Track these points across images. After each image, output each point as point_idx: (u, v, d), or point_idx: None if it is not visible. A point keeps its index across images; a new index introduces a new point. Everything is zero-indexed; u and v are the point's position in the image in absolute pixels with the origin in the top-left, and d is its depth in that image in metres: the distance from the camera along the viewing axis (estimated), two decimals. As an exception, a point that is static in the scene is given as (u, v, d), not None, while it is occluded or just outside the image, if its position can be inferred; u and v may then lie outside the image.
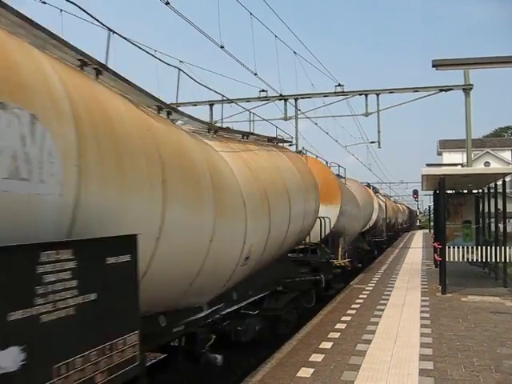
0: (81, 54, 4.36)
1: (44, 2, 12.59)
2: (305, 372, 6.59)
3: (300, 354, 7.42)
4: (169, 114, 6.12)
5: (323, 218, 13.40)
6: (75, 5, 5.60)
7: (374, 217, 26.70)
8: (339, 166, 18.08)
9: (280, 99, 21.67)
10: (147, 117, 5.14)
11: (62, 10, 13.74)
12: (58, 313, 3.02)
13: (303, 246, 12.77)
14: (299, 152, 14.17)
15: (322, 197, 12.74)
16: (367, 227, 24.49)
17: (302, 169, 11.43)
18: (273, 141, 10.97)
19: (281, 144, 11.55)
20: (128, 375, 3.70)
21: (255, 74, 15.72)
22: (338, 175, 17.37)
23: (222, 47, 12.42)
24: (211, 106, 22.72)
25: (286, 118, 22.03)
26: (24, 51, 3.49)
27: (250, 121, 22.46)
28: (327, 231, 13.79)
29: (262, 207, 7.98)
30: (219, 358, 6.47)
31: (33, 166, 3.12)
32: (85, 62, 4.42)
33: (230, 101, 22.77)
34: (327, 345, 7.94)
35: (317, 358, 7.24)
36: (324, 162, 16.50)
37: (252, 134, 9.83)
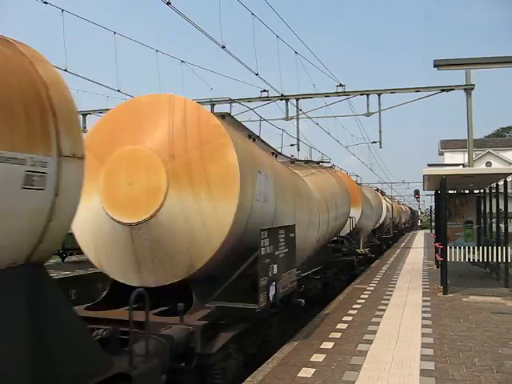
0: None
1: (46, 2, 12.62)
2: (306, 372, 6.59)
3: (301, 354, 7.42)
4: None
5: (350, 217, 17.90)
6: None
7: (383, 217, 31.31)
8: (356, 175, 23.61)
9: (281, 99, 21.66)
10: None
11: (63, 10, 13.78)
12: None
13: (335, 238, 17.15)
14: (331, 167, 18.43)
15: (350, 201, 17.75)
16: (377, 225, 28.94)
17: (339, 181, 16.72)
18: (319, 163, 16.21)
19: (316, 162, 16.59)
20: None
21: (256, 74, 15.72)
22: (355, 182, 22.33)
23: (223, 47, 12.42)
24: (212, 105, 22.72)
25: (287, 118, 22.02)
26: None
27: (250, 121, 22.52)
28: (352, 227, 18.46)
29: (325, 208, 13.21)
30: (303, 301, 9.11)
31: (266, 195, 7.96)
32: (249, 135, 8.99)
33: (232, 101, 22.80)
34: (328, 345, 7.94)
35: (318, 358, 7.24)
36: (345, 173, 21.31)
37: (310, 161, 15.14)
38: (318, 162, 15.70)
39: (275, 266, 7.46)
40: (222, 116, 7.67)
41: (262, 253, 6.87)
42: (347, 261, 17.13)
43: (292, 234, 8.55)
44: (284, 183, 9.58)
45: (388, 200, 38.72)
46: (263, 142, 9.77)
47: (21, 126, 3.54)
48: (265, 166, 8.29)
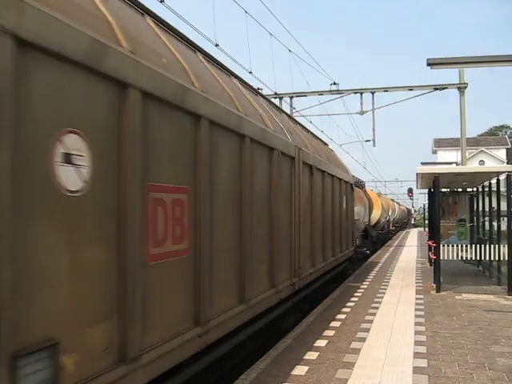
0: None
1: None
2: (299, 370, 6.60)
3: (295, 352, 7.43)
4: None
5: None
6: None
7: (391, 214, 43.37)
8: (364, 182, 29.58)
9: (275, 97, 21.67)
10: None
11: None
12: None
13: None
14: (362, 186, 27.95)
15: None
16: (387, 219, 39.83)
17: (368, 194, 28.16)
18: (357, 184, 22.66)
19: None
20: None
21: (250, 73, 15.71)
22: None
23: (216, 45, 12.40)
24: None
25: (281, 117, 22.02)
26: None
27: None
28: (374, 221, 30.20)
29: (366, 208, 25.31)
30: (368, 251, 20.23)
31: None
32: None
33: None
34: (322, 343, 7.95)
35: (311, 355, 7.25)
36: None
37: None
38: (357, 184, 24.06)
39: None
40: None
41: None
42: (372, 241, 28.21)
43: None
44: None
45: (390, 202, 45.79)
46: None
47: None
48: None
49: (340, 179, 14.70)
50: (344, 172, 16.05)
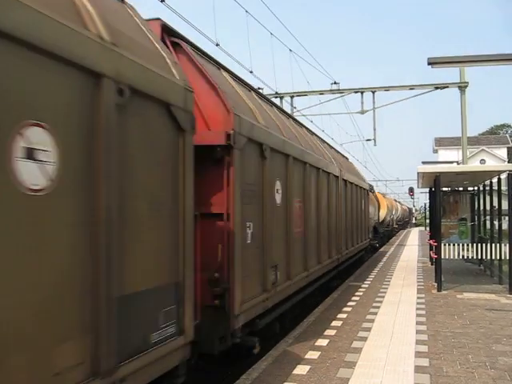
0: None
1: None
2: (301, 369, 6.60)
3: (296, 351, 7.43)
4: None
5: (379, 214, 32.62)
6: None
7: (394, 213, 46.08)
8: (372, 185, 31.33)
9: (276, 97, 21.66)
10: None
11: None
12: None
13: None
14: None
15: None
16: (391, 217, 42.97)
17: (376, 196, 31.27)
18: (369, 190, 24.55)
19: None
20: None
21: (251, 72, 15.71)
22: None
23: (217, 45, 12.40)
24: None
25: (281, 116, 22.02)
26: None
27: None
28: (381, 219, 33.87)
29: (376, 209, 29.90)
30: (377, 244, 28.15)
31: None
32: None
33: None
34: (323, 342, 7.95)
35: (313, 355, 7.25)
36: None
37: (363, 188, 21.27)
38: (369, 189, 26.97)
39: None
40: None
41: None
42: (381, 235, 33.32)
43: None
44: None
45: (394, 203, 49.85)
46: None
47: None
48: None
49: (361, 187, 19.57)
50: (362, 180, 20.70)
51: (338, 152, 18.66)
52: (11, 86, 2.88)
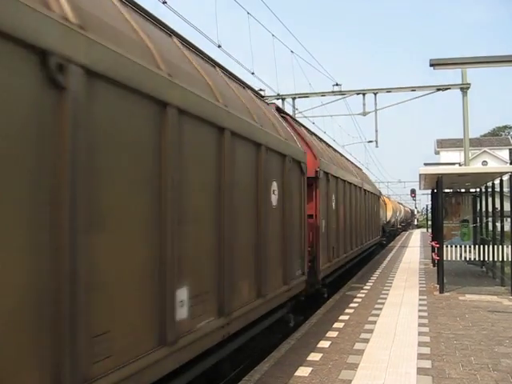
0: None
1: None
2: (303, 371, 6.59)
3: (298, 353, 7.42)
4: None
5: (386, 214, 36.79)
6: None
7: (398, 214, 50.80)
8: (380, 191, 33.48)
9: (277, 98, 21.69)
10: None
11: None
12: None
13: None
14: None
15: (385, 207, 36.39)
16: (396, 218, 47.58)
17: (383, 199, 34.81)
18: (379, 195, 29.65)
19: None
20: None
21: (252, 73, 15.72)
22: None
23: (219, 46, 12.42)
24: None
25: (283, 118, 22.00)
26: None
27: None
28: (387, 220, 37.44)
29: (384, 211, 34.19)
30: (385, 241, 32.31)
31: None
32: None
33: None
34: (325, 344, 7.94)
35: (315, 357, 7.24)
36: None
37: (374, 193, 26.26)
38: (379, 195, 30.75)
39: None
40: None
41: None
42: (389, 232, 38.56)
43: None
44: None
45: (397, 205, 54.36)
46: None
47: None
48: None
49: (373, 194, 24.10)
50: (373, 187, 25.66)
51: (356, 165, 23.66)
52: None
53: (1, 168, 2.67)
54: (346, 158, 20.62)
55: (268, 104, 9.80)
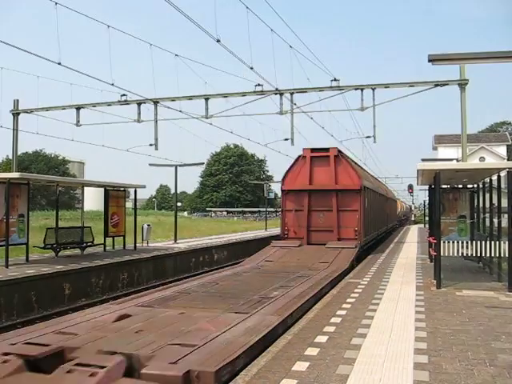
0: None
1: (39, -5, 12.52)
2: (300, 366, 6.61)
3: (295, 348, 7.44)
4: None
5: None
6: None
7: (400, 209, 64.91)
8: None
9: (276, 93, 21.62)
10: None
11: (56, 3, 13.67)
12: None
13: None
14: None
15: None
16: (400, 211, 63.08)
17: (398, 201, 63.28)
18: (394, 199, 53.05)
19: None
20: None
21: (251, 68, 15.68)
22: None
23: (218, 41, 12.38)
24: (206, 100, 22.70)
25: (281, 113, 22.00)
26: None
27: (244, 115, 22.43)
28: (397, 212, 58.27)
29: (400, 209, 65.60)
30: (397, 226, 56.22)
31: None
32: None
33: (226, 95, 22.72)
34: (322, 339, 7.96)
35: (312, 351, 7.26)
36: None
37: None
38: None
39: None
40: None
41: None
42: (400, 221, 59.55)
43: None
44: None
45: (400, 202, 68.88)
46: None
47: None
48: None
49: (392, 199, 41.70)
50: (391, 193, 41.90)
51: (380, 181, 39.50)
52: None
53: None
54: (376, 178, 38.33)
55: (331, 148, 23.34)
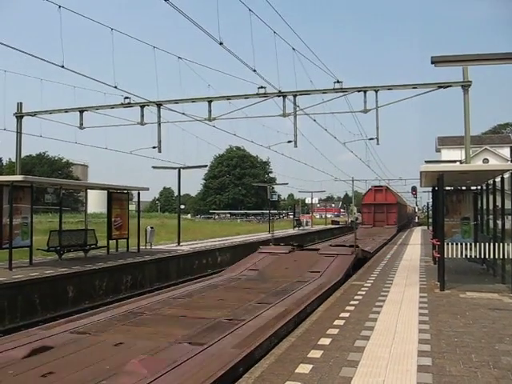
0: None
1: (42, -2, 12.57)
2: (303, 368, 6.60)
3: (299, 351, 7.43)
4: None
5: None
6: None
7: (408, 212, 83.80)
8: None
9: (279, 96, 21.63)
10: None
11: (60, 7, 13.72)
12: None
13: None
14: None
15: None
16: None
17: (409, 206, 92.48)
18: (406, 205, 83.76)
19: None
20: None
21: (254, 71, 15.70)
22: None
23: (221, 43, 12.40)
24: (210, 102, 22.72)
25: (284, 115, 22.00)
26: None
27: (247, 117, 22.45)
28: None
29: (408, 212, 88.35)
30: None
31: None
32: None
33: (229, 97, 22.73)
34: (326, 341, 7.95)
35: (315, 354, 7.25)
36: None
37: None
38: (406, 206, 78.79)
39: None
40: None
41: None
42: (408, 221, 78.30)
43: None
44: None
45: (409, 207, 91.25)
46: None
47: None
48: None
49: (409, 206, 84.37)
50: (405, 200, 77.20)
51: (401, 195, 73.22)
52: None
53: None
54: (400, 194, 70.87)
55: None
